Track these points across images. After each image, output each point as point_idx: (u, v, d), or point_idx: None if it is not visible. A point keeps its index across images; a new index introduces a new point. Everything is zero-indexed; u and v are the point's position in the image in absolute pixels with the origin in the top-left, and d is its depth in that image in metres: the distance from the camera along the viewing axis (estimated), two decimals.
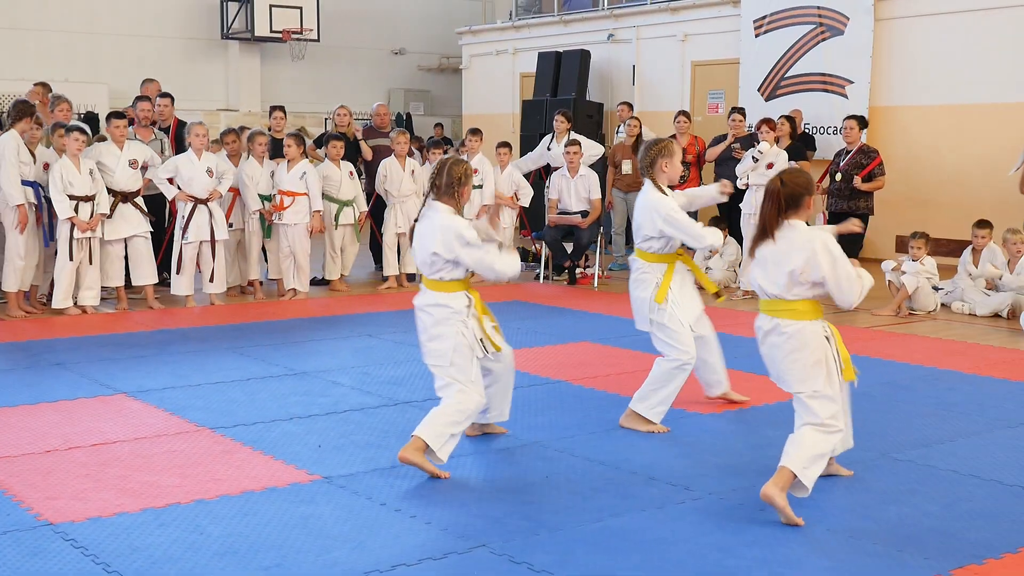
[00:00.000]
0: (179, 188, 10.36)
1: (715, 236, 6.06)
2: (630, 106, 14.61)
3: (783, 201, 4.65)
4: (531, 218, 14.18)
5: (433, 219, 5.29)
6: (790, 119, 12.25)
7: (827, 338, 4.70)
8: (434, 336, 5.29)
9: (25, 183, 9.67)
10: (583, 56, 16.92)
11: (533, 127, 16.52)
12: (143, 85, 12.50)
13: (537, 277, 12.67)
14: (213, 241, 10.39)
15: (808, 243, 4.61)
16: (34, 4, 18.26)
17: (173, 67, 18.82)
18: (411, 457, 5.11)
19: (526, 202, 12.82)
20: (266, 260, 11.64)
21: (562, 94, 16.78)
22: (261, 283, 11.33)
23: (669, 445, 5.76)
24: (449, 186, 5.32)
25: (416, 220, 5.43)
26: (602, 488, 5.01)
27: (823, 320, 4.74)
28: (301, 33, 19.41)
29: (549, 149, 12.99)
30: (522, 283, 12.45)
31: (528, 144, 15.98)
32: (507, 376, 5.67)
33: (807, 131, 13.89)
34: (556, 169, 12.54)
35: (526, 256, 13.80)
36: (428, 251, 5.26)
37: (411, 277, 12.12)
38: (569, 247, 12.20)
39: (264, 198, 11.03)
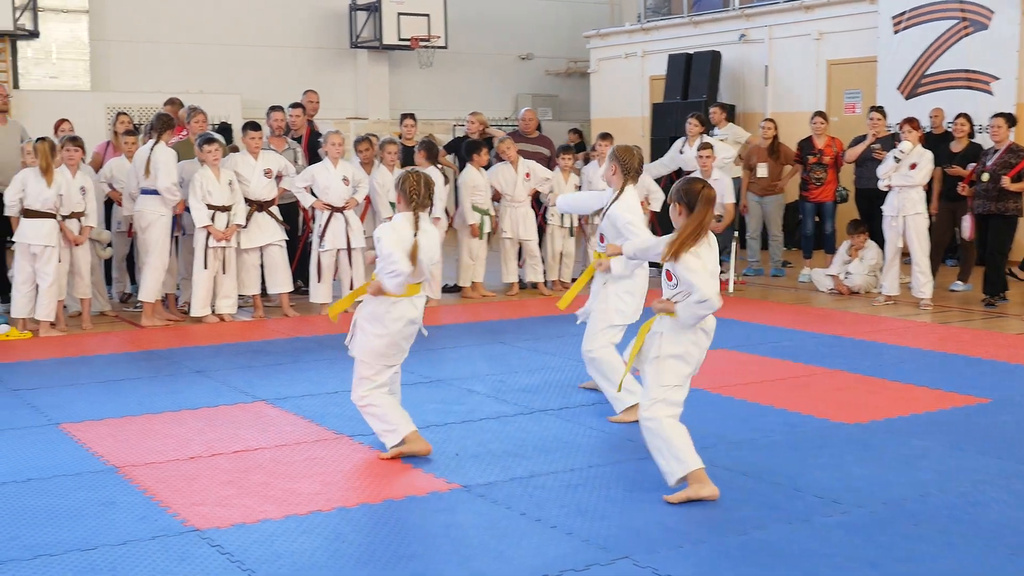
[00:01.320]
0: (315, 196, 10.56)
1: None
2: (723, 107, 14.31)
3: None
4: (662, 223, 14.06)
5: (430, 231, 5.65)
6: (968, 117, 11.94)
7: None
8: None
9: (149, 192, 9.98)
10: (714, 57, 16.76)
11: (663, 131, 16.43)
12: (304, 95, 12.77)
13: None
14: (350, 249, 10.56)
15: None
16: (169, 17, 18.85)
17: (303, 76, 19.18)
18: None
19: (657, 207, 12.68)
20: None
21: (692, 97, 16.64)
22: None
23: (814, 456, 5.66)
24: (414, 199, 5.60)
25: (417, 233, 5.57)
26: (745, 500, 4.94)
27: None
28: (429, 40, 19.64)
29: (681, 153, 12.89)
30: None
31: (658, 148, 15.90)
32: None
33: (948, 130, 13.52)
34: (688, 173, 12.44)
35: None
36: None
37: (536, 284, 12.14)
38: None
39: (394, 205, 11.16)
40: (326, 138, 10.69)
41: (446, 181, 11.20)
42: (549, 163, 12.65)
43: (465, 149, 11.92)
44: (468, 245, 11.77)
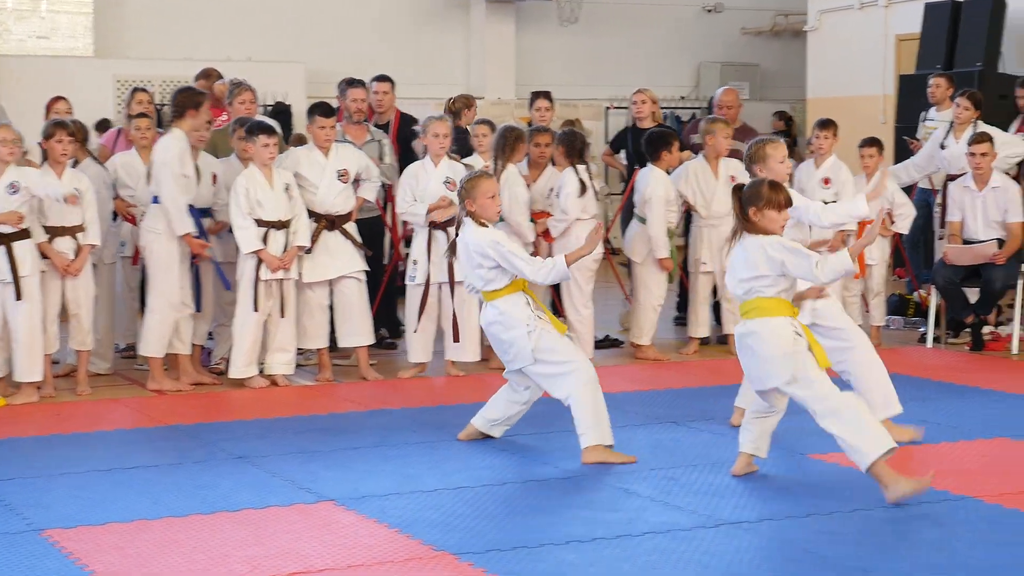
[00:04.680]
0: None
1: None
2: (949, 78, 13.99)
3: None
4: (912, 251, 13.89)
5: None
6: None
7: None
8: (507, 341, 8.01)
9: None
10: (995, 6, 16.51)
11: (916, 115, 16.20)
12: None
13: (923, 339, 12.37)
14: (453, 283, 10.60)
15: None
16: None
17: (393, 39, 19.48)
18: (600, 458, 7.79)
19: (905, 227, 12.56)
20: None
21: (960, 65, 16.42)
22: None
23: None
24: None
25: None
26: None
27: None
28: None
29: (943, 147, 12.71)
30: (901, 347, 12.18)
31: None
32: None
33: None
34: (955, 178, 12.25)
35: (904, 308, 13.49)
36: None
37: (723, 339, 12.02)
38: (974, 294, 11.86)
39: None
40: (426, 127, 10.72)
41: (588, 191, 11.14)
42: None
43: (648, 143, 11.77)
44: (649, 284, 11.69)
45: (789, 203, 7.11)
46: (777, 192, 7.04)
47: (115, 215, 11.03)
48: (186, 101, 10.23)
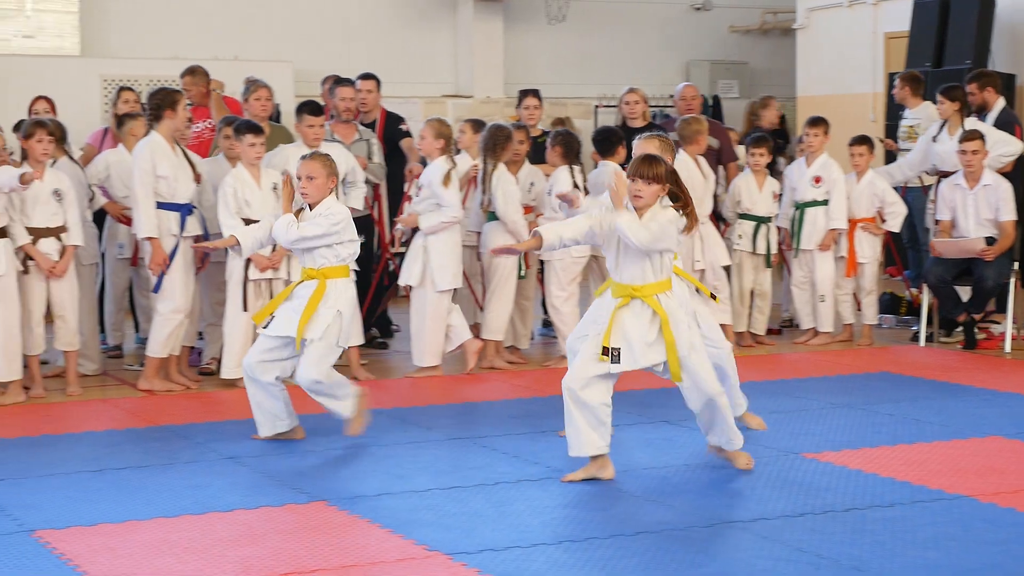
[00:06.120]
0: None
1: None
2: (915, 79, 13.92)
3: None
4: (902, 249, 13.91)
5: None
6: None
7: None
8: None
9: (167, 206, 10.13)
10: (984, 5, 16.54)
11: None
12: None
13: (915, 338, 12.39)
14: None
15: None
16: None
17: (381, 38, 19.42)
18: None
19: (896, 225, 12.58)
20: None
21: (950, 62, 16.44)
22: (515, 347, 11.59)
23: None
24: None
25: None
26: None
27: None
28: None
29: (934, 140, 12.71)
30: (893, 346, 12.20)
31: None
32: None
33: None
34: (946, 176, 12.27)
35: (896, 306, 13.52)
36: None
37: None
38: (966, 292, 11.88)
39: None
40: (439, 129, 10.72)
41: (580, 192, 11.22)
42: (719, 159, 12.63)
43: (599, 140, 11.70)
44: None
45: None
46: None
47: (94, 215, 11.04)
48: (162, 102, 10.14)
